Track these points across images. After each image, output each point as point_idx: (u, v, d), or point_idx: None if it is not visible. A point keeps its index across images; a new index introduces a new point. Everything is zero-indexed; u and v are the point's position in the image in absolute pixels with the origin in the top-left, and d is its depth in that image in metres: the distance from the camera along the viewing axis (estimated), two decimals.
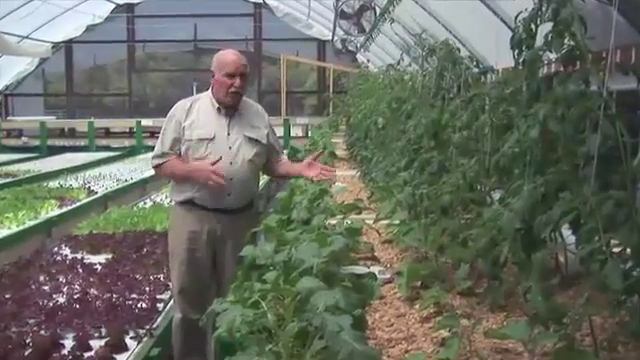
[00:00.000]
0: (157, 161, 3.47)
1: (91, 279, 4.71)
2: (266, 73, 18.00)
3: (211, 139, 3.36)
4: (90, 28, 16.65)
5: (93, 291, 4.43)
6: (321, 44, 16.82)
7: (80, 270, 4.99)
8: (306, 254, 1.92)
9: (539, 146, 1.82)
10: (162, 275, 4.84)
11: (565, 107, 1.70)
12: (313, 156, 3.58)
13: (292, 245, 2.10)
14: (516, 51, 1.93)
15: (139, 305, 4.14)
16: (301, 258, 1.92)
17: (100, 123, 15.45)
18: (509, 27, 4.09)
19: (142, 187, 9.67)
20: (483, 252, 2.00)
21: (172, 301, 3.71)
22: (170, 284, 3.81)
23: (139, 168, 11.27)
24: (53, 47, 16.66)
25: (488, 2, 5.00)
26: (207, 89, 3.55)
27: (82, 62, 17.66)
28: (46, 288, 4.52)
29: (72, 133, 16.31)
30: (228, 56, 3.40)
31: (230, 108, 3.42)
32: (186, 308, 3.40)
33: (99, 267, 5.05)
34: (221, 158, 3.31)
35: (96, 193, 8.52)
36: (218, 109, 3.42)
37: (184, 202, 3.43)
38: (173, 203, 3.56)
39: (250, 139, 3.42)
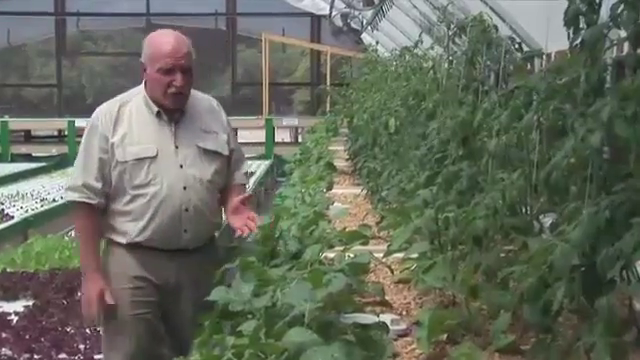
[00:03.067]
0: (73, 196, 3.22)
1: (3, 334, 4.68)
2: (243, 58, 18.09)
3: (153, 157, 3.17)
4: None
5: (6, 351, 4.40)
6: (315, 20, 16.91)
7: None
8: (296, 298, 1.93)
9: (603, 156, 1.84)
10: None
11: (638, 104, 1.72)
12: (240, 199, 3.31)
13: (277, 286, 2.11)
14: (572, 29, 1.95)
15: None
16: (289, 303, 1.93)
17: (18, 124, 15.37)
18: None
19: None
20: (530, 296, 2.01)
21: None
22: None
23: None
24: None
25: None
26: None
27: None
28: None
29: None
30: (162, 45, 3.17)
31: (174, 112, 3.24)
32: None
33: (15, 318, 5.02)
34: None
35: (12, 218, 8.49)
36: (158, 113, 3.23)
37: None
38: (106, 241, 3.30)
39: (206, 151, 3.25)
